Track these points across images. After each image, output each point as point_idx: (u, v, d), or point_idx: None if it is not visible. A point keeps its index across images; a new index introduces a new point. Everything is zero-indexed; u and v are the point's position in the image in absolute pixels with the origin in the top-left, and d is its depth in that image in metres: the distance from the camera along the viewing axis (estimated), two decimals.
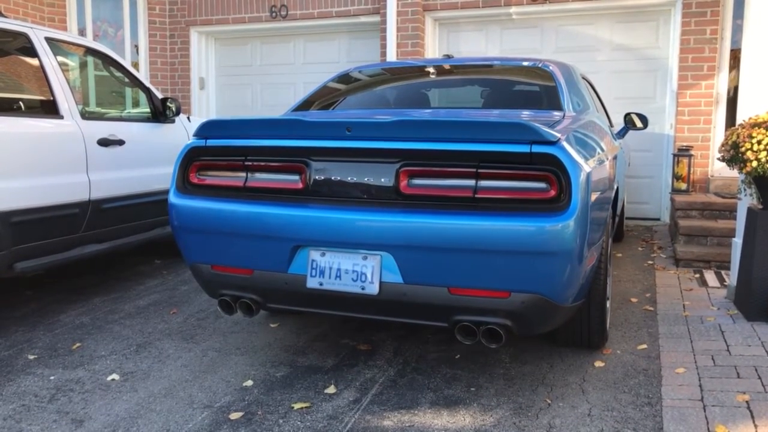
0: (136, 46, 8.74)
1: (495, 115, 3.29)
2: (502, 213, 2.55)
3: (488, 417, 2.70)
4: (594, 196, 2.73)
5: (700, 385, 2.93)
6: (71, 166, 4.09)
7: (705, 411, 2.68)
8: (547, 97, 3.51)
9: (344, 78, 4.20)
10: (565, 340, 3.37)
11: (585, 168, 2.60)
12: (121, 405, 2.87)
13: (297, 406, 2.82)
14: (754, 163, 3.61)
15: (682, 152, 6.62)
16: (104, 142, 4.32)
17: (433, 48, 7.81)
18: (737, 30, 6.80)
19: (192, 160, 3.07)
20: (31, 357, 3.42)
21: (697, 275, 4.92)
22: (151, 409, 2.83)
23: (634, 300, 4.34)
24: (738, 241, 4.14)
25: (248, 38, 8.81)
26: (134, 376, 3.18)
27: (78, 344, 3.60)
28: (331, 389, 2.98)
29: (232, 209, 2.92)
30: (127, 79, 4.92)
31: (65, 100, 4.13)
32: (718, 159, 3.97)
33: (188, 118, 5.30)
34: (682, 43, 6.73)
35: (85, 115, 4.29)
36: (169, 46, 8.86)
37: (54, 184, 3.94)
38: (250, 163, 2.94)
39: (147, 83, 4.93)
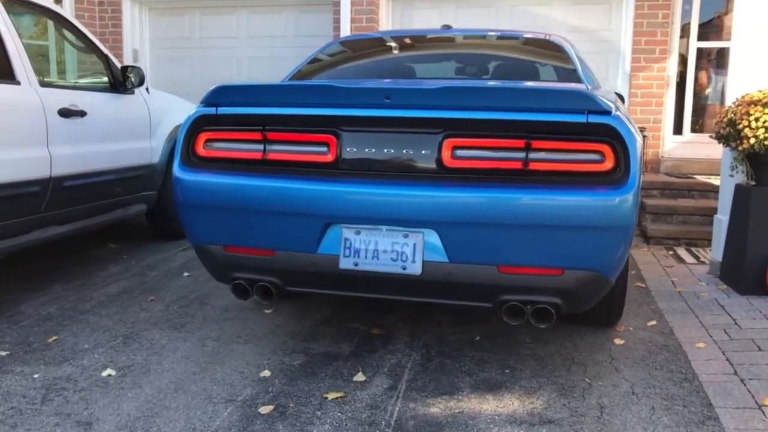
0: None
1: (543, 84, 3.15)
2: (557, 186, 2.43)
3: (535, 400, 2.60)
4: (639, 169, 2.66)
5: (728, 360, 2.95)
6: (30, 139, 3.64)
7: (745, 385, 2.69)
8: (565, 71, 3.41)
9: (340, 47, 3.95)
10: (584, 317, 3.30)
11: (638, 140, 2.52)
12: (129, 403, 2.56)
13: (330, 396, 2.61)
14: (752, 140, 3.67)
15: None
16: (65, 113, 3.87)
17: (386, 24, 7.61)
18: (685, 15, 7.02)
19: (199, 130, 2.76)
20: (3, 353, 3.01)
21: (671, 252, 5.03)
22: (165, 407, 2.54)
23: None
24: (723, 218, 4.23)
25: (186, 8, 8.27)
26: (132, 371, 2.85)
27: (54, 337, 3.22)
28: (360, 376, 2.79)
29: (251, 184, 2.65)
30: (82, 44, 4.46)
31: (22, 65, 3.66)
32: (710, 137, 4.03)
33: (147, 89, 4.87)
34: (635, 26, 6.85)
35: (44, 83, 3.83)
36: (98, 14, 8.19)
37: (11, 159, 3.48)
38: (270, 134, 2.67)
39: (105, 50, 4.48)
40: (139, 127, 4.67)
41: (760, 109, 3.68)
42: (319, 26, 7.76)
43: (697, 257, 4.84)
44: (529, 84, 2.98)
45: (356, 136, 2.59)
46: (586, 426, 2.40)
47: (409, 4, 7.59)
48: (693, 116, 7.08)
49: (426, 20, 7.51)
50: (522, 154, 2.47)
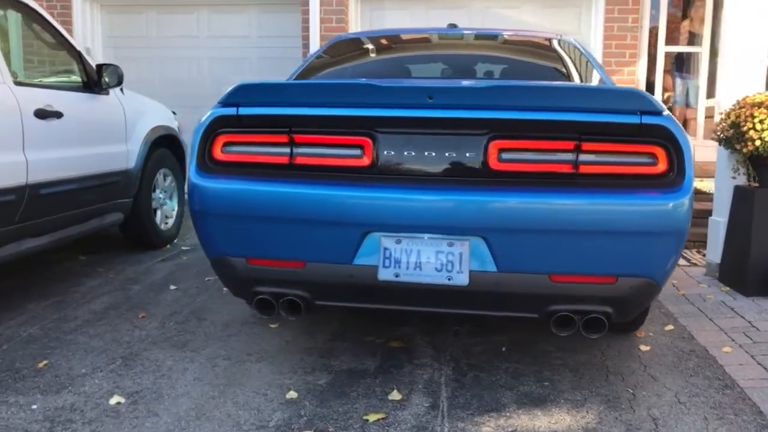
0: None
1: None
2: (608, 190, 2.32)
3: (586, 414, 2.48)
4: None
5: (760, 364, 2.91)
6: (5, 142, 3.31)
7: None
8: (587, 73, 3.32)
9: (344, 45, 3.75)
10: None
11: (690, 141, 2.44)
12: None
13: (371, 417, 2.43)
14: (758, 143, 3.68)
15: None
16: (41, 114, 3.55)
17: (356, 25, 7.44)
18: (653, 19, 7.14)
19: (217, 132, 2.53)
20: None
21: None
22: None
23: None
24: (720, 220, 4.25)
25: (142, 6, 7.89)
26: (143, 397, 2.59)
27: (44, 362, 2.91)
28: (396, 395, 2.61)
29: (279, 191, 2.44)
30: (54, 40, 4.11)
31: None
32: (712, 139, 4.03)
33: (122, 89, 4.55)
34: (606, 30, 6.91)
35: (18, 81, 3.50)
36: (46, 11, 7.68)
37: None
38: (297, 136, 2.47)
39: (78, 46, 4.15)
40: (115, 130, 4.35)
41: (765, 111, 3.70)
42: (286, 27, 7.53)
43: (688, 259, 4.86)
44: (580, 83, 2.88)
45: (395, 138, 2.42)
46: None
47: (379, 5, 7.45)
48: None
49: (396, 21, 7.38)
50: (572, 156, 2.35)
